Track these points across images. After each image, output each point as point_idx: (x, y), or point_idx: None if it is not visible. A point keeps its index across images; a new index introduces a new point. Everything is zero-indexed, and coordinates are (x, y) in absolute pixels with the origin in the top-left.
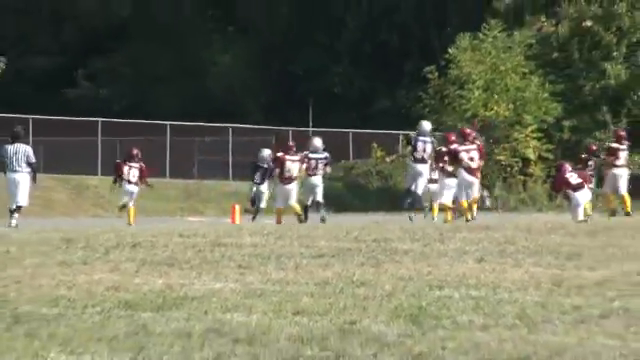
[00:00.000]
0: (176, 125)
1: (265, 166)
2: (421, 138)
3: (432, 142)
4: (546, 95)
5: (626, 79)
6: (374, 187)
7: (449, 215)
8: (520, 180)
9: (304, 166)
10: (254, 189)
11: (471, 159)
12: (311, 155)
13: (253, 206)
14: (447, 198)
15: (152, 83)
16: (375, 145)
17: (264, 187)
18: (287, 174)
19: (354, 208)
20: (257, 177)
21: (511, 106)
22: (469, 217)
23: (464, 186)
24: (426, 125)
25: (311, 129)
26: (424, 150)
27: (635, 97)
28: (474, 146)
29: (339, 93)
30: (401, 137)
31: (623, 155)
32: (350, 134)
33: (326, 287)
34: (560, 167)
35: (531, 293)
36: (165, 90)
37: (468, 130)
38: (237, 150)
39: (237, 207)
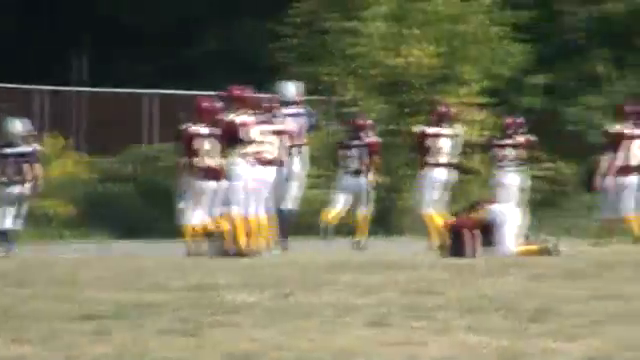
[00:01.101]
0: None
1: None
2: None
3: (309, 115)
4: (502, 30)
5: None
6: None
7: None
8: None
9: None
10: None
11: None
12: (7, 150)
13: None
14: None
15: None
16: None
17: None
18: None
19: (157, 229)
20: None
21: (439, 49)
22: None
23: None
24: (291, 88)
25: (82, 89)
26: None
27: None
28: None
29: (130, 25)
30: None
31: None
32: (146, 99)
33: None
34: None
35: None
36: None
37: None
38: None
39: None
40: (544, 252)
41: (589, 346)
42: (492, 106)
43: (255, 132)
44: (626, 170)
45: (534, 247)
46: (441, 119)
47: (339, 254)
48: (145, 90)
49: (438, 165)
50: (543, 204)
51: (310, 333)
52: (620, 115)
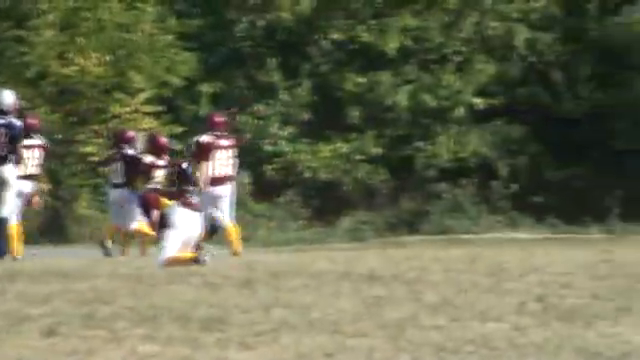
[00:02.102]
0: None
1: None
2: None
3: (10, 126)
4: (170, 39)
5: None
6: None
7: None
8: None
9: None
10: None
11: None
12: None
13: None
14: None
15: None
16: None
17: None
18: None
19: None
20: None
21: (108, 58)
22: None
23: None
24: (7, 97)
25: None
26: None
27: (322, 39)
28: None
29: None
30: None
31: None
32: None
33: None
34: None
35: None
36: None
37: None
38: None
39: None
40: (193, 261)
41: (263, 355)
42: (161, 114)
43: None
44: (217, 181)
45: (185, 255)
46: (30, 130)
47: (17, 263)
48: None
49: (23, 177)
50: None
51: None
52: (209, 125)
